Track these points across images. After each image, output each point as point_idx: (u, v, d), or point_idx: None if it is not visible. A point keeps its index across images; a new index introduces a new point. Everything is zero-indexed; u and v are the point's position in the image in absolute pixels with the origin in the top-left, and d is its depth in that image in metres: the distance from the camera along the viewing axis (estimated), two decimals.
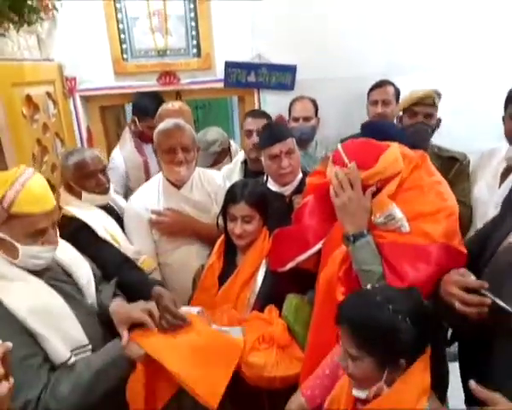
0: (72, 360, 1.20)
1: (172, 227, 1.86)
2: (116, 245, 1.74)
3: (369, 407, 1.08)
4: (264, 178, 1.97)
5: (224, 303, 1.61)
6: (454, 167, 2.06)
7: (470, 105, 2.62)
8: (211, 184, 1.94)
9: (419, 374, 1.04)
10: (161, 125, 1.80)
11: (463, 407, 1.79)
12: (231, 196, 1.65)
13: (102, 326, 1.38)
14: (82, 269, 1.41)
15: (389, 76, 2.53)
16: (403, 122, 2.15)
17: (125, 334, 1.28)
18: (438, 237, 1.24)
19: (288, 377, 1.39)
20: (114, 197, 1.99)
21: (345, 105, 2.68)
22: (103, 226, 1.74)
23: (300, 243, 1.50)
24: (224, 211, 1.68)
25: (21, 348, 1.10)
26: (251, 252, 1.65)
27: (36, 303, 1.17)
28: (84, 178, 1.76)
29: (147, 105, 2.50)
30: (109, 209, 1.89)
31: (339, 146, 1.37)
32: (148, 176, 2.46)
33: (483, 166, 2.03)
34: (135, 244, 1.85)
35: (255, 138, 2.17)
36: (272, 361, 1.41)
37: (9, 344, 0.87)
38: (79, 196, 1.78)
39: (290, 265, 1.51)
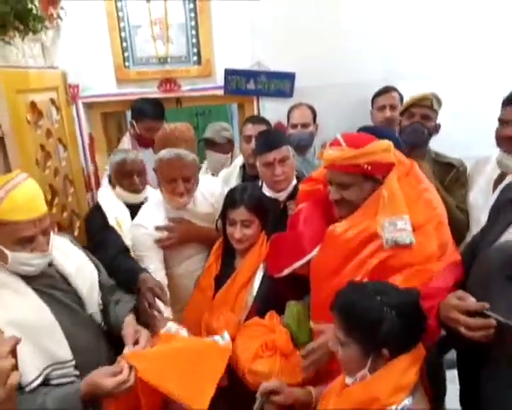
0: (39, 380, 1.16)
1: (180, 239, 1.85)
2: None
3: (344, 391, 1.14)
4: (260, 183, 2.01)
5: (222, 306, 1.63)
6: (450, 173, 2.09)
7: (469, 111, 2.65)
8: (213, 194, 1.96)
9: (399, 370, 1.07)
10: (163, 153, 1.74)
11: None
12: (231, 200, 1.68)
13: (101, 338, 1.38)
14: (84, 279, 1.40)
15: (388, 83, 2.58)
16: (401, 124, 2.19)
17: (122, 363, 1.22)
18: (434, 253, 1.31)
19: (291, 385, 1.37)
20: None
21: (343, 112, 2.72)
22: (115, 218, 1.96)
23: (296, 250, 1.53)
24: (224, 215, 1.70)
25: None
26: (249, 256, 1.67)
27: (17, 315, 1.16)
28: (121, 176, 2.09)
29: (143, 107, 2.54)
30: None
31: (337, 134, 1.44)
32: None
33: (478, 172, 2.06)
34: (146, 267, 1.80)
35: (254, 144, 2.20)
36: (276, 369, 1.42)
37: (19, 338, 0.89)
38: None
39: (287, 271, 1.54)
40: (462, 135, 2.53)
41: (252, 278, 1.64)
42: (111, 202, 2.10)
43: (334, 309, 1.15)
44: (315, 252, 1.48)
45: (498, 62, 2.74)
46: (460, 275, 1.31)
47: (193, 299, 1.73)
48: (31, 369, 1.16)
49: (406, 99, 2.28)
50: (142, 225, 1.84)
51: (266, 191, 1.92)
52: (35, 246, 1.21)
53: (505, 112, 1.76)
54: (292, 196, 1.87)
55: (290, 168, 1.89)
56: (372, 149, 1.35)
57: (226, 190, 1.99)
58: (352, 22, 2.72)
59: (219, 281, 1.69)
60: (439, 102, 2.14)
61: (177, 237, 1.83)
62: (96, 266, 1.53)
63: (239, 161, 2.47)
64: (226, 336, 1.47)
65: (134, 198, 2.11)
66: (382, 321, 1.07)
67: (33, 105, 2.09)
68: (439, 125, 2.17)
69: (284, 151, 1.85)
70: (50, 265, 1.33)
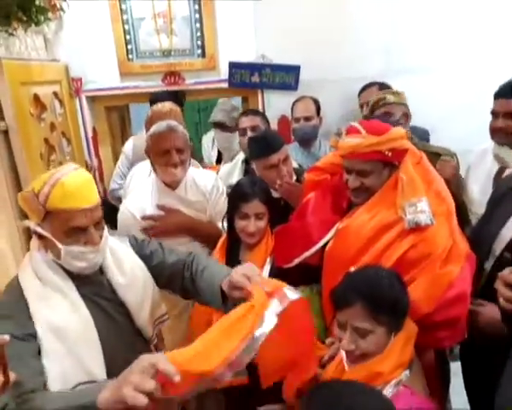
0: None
1: (168, 228, 1.80)
2: None
3: (347, 370, 1.16)
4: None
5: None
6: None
7: (467, 105, 2.63)
8: (205, 184, 1.91)
9: (399, 348, 1.12)
10: (154, 128, 1.74)
11: (467, 406, 1.81)
12: (241, 194, 1.64)
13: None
14: (136, 292, 1.30)
15: (390, 76, 2.56)
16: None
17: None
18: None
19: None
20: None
21: (349, 105, 2.70)
22: None
23: (306, 240, 1.53)
24: (231, 210, 1.67)
25: (28, 374, 1.01)
26: (256, 250, 1.65)
27: (60, 322, 1.12)
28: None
29: (159, 97, 2.42)
30: None
31: (353, 122, 1.45)
32: None
33: (475, 165, 2.04)
34: None
35: (249, 135, 2.19)
36: None
37: (6, 337, 0.83)
38: None
39: (297, 261, 1.53)
40: (460, 129, 2.52)
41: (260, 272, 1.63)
42: None
43: (352, 301, 1.12)
44: (324, 241, 1.49)
45: (495, 57, 2.71)
46: (474, 266, 1.37)
47: None
48: (57, 384, 1.07)
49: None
50: (129, 210, 1.80)
51: None
52: (88, 238, 1.16)
53: (496, 104, 1.77)
54: None
55: (290, 165, 1.89)
56: (392, 135, 1.39)
57: (221, 185, 1.97)
58: (356, 15, 2.69)
59: None
60: (396, 93, 2.09)
61: (164, 227, 1.79)
62: (155, 253, 1.39)
63: (241, 155, 2.45)
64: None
65: None
66: (402, 294, 1.16)
67: (36, 98, 2.07)
68: (407, 114, 2.10)
69: (285, 150, 1.84)
70: (102, 273, 1.26)
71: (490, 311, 1.33)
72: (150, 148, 1.78)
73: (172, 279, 1.37)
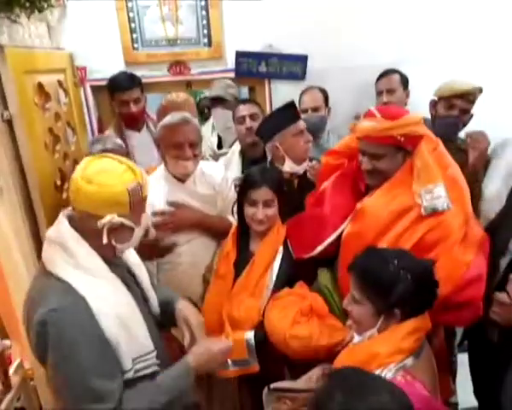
0: (131, 373, 1.15)
1: (179, 224, 1.80)
2: None
3: (349, 349, 1.26)
4: (268, 163, 1.97)
5: (241, 293, 1.60)
6: None
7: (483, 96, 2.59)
8: (214, 176, 1.91)
9: (401, 335, 1.15)
10: (167, 119, 1.72)
11: (472, 397, 1.82)
12: (251, 181, 1.64)
13: (159, 330, 1.37)
14: (144, 272, 1.39)
15: (400, 65, 2.51)
16: (437, 109, 2.05)
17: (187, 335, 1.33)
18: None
19: (331, 345, 1.43)
20: None
21: (357, 94, 2.65)
22: None
23: (325, 226, 1.55)
24: (241, 197, 1.67)
25: (104, 360, 1.08)
26: (267, 240, 1.65)
27: (117, 308, 1.14)
28: None
29: (113, 81, 2.39)
30: None
31: (371, 107, 1.50)
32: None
33: (496, 157, 1.99)
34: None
35: (248, 123, 2.21)
36: (317, 331, 1.45)
37: (7, 343, 0.85)
38: None
39: (320, 248, 1.56)
40: (475, 119, 2.45)
41: (271, 262, 1.62)
42: None
43: (351, 268, 1.24)
44: (345, 225, 1.51)
45: (504, 45, 2.66)
46: (488, 250, 1.44)
47: (212, 288, 1.70)
48: (126, 361, 1.14)
49: (447, 81, 2.05)
50: None
51: (287, 167, 1.89)
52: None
53: None
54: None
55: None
56: (406, 121, 1.41)
57: (229, 176, 1.97)
58: (364, 4, 2.64)
59: (236, 266, 1.65)
60: (481, 92, 2.02)
61: (175, 222, 1.79)
62: None
63: (236, 147, 2.40)
64: None
65: None
66: (398, 283, 1.15)
67: (40, 87, 2.04)
68: (472, 115, 2.06)
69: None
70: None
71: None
72: (162, 138, 1.76)
73: None
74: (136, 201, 1.14)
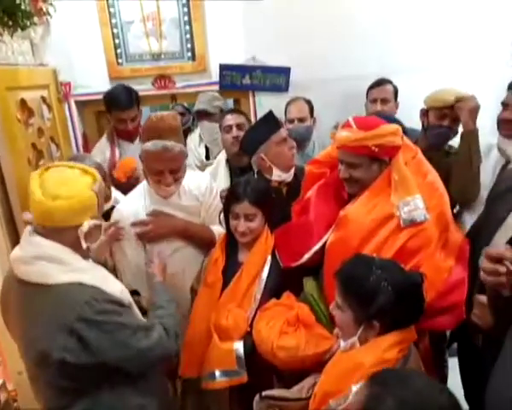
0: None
1: (160, 232, 1.78)
2: None
3: (334, 359, 1.26)
4: (255, 173, 1.96)
5: (230, 302, 1.60)
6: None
7: None
8: (198, 187, 1.89)
9: (385, 346, 1.14)
10: (149, 146, 1.68)
11: (463, 401, 1.82)
12: (234, 194, 1.66)
13: None
14: None
15: (383, 76, 2.54)
16: (428, 118, 2.04)
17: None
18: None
19: (318, 354, 1.43)
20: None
21: (340, 105, 2.68)
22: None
23: (311, 235, 1.57)
24: (227, 209, 1.68)
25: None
26: (255, 250, 1.65)
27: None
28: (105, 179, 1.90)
29: (112, 98, 2.37)
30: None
31: (349, 118, 1.50)
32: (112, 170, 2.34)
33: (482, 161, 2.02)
34: (127, 254, 1.78)
35: (235, 132, 2.23)
36: (303, 341, 1.45)
37: None
38: None
39: (307, 256, 1.56)
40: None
41: (260, 271, 1.62)
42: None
43: (336, 275, 1.24)
44: (329, 233, 1.53)
45: (491, 54, 2.73)
46: (468, 254, 1.45)
47: (200, 296, 1.68)
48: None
49: (438, 91, 2.02)
50: (122, 213, 1.79)
51: (275, 176, 1.90)
52: None
53: (507, 96, 1.78)
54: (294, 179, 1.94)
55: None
56: (380, 132, 1.42)
57: (215, 185, 1.97)
58: (347, 17, 2.69)
59: (225, 275, 1.65)
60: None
61: (156, 230, 1.76)
62: None
63: (222, 156, 2.40)
64: None
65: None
66: (378, 294, 1.14)
67: (23, 103, 2.04)
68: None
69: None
70: None
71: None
72: (144, 161, 1.74)
73: None
74: (101, 198, 1.19)
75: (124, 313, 1.23)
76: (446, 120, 1.94)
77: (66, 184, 1.13)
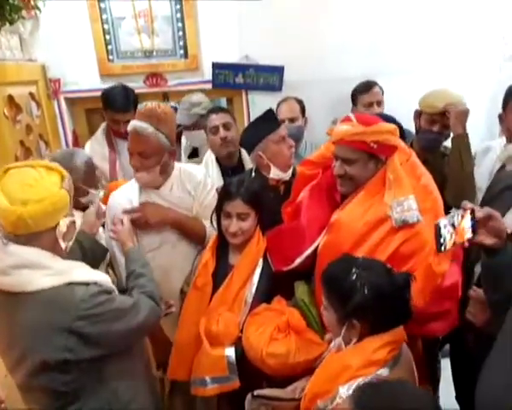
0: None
1: (150, 219, 1.75)
2: None
3: (323, 361, 1.27)
4: (253, 171, 1.92)
5: (220, 306, 1.57)
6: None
7: None
8: (191, 181, 1.86)
9: (372, 347, 1.14)
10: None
11: (453, 400, 1.83)
12: (227, 192, 1.62)
13: None
14: None
15: (372, 77, 2.56)
16: (420, 121, 2.03)
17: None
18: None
19: (309, 360, 1.41)
20: None
21: (333, 105, 2.69)
22: None
23: (303, 238, 1.55)
24: (219, 208, 1.65)
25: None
26: (247, 252, 1.63)
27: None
28: (94, 175, 1.85)
29: (109, 97, 2.33)
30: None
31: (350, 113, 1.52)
32: (113, 168, 2.37)
33: (477, 164, 2.02)
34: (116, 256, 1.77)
35: (222, 133, 2.16)
36: (294, 348, 1.43)
37: None
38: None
39: (299, 260, 1.55)
40: None
41: (251, 275, 1.60)
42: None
43: (322, 274, 1.28)
44: (321, 237, 1.51)
45: (482, 56, 2.75)
46: (461, 258, 1.46)
47: (189, 299, 1.64)
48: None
49: (432, 94, 2.01)
50: (118, 202, 1.78)
51: (273, 175, 1.87)
52: None
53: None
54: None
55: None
56: (379, 128, 1.43)
57: (209, 181, 1.94)
58: (339, 18, 2.69)
59: (215, 278, 1.62)
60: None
61: (145, 218, 1.74)
62: None
63: (209, 156, 2.32)
64: None
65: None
66: (355, 293, 1.15)
67: (11, 99, 2.00)
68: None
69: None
70: None
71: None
72: None
73: None
74: (71, 193, 1.17)
75: (114, 298, 1.26)
76: (436, 126, 1.94)
77: (32, 185, 1.06)
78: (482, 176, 1.86)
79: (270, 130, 1.86)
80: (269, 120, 1.89)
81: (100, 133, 2.46)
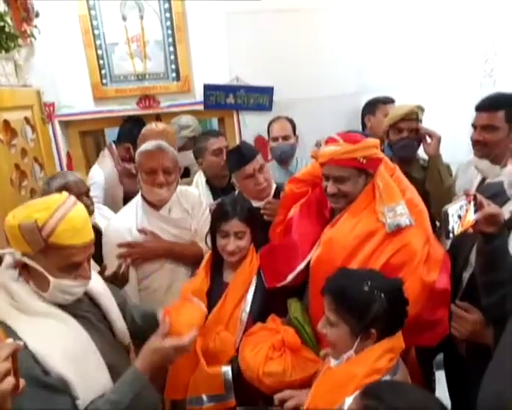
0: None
1: (145, 256, 1.79)
2: None
3: (326, 371, 1.24)
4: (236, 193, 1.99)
5: (216, 325, 1.58)
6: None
7: (436, 122, 2.72)
8: (188, 200, 1.92)
9: (375, 356, 1.15)
10: (144, 146, 1.78)
11: None
12: (222, 213, 1.64)
13: (127, 358, 1.33)
14: (110, 298, 1.34)
15: (360, 95, 2.65)
16: (389, 137, 2.18)
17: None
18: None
19: (305, 378, 1.42)
20: (103, 214, 2.03)
21: (322, 123, 2.74)
22: None
23: (296, 254, 1.57)
24: (213, 228, 1.67)
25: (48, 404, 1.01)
26: (241, 270, 1.64)
27: (66, 347, 1.07)
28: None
29: (133, 132, 2.33)
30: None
31: (333, 134, 1.55)
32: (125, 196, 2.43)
33: (460, 177, 2.09)
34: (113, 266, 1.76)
35: (225, 156, 2.20)
36: (290, 366, 1.44)
37: (21, 343, 0.81)
38: None
39: (291, 277, 1.56)
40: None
41: (245, 293, 1.61)
42: None
43: (325, 292, 1.23)
44: (314, 250, 1.53)
45: (457, 75, 2.88)
46: (449, 266, 1.49)
47: None
48: (81, 397, 1.07)
49: (392, 110, 2.26)
50: (116, 230, 1.80)
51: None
52: (80, 272, 1.14)
53: (475, 118, 1.84)
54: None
55: (267, 172, 1.94)
56: (366, 144, 1.48)
57: (204, 200, 2.00)
58: (327, 38, 2.79)
59: (210, 297, 1.63)
60: (423, 111, 2.16)
61: (141, 253, 1.78)
62: None
63: (199, 177, 2.39)
64: None
65: None
66: (372, 303, 1.16)
67: (6, 124, 2.04)
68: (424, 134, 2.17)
69: (259, 160, 1.89)
70: None
71: (473, 320, 1.40)
72: (138, 165, 1.81)
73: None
74: (32, 241, 1.06)
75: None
76: (404, 132, 2.10)
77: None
78: (463, 188, 1.95)
79: (236, 167, 1.89)
80: (234, 158, 1.90)
81: (108, 160, 2.54)
